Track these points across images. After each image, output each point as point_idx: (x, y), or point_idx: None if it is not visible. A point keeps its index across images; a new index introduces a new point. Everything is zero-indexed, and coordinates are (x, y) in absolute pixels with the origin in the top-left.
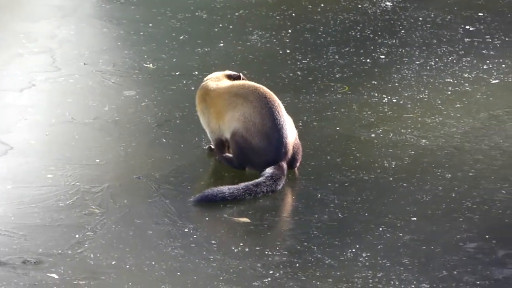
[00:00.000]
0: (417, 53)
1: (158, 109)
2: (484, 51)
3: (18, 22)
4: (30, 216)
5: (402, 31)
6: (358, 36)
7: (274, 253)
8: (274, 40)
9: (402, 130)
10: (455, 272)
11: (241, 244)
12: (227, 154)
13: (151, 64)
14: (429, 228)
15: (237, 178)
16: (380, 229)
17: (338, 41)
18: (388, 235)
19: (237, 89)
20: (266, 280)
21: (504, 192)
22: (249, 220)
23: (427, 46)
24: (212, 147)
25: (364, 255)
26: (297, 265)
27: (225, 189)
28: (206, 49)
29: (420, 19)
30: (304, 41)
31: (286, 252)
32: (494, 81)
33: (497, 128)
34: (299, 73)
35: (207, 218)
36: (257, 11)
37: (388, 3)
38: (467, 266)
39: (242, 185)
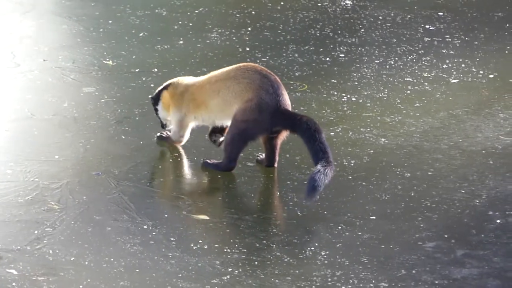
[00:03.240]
0: (376, 52)
1: (118, 105)
2: (444, 51)
3: None
4: None
5: (362, 30)
6: (318, 34)
7: (233, 250)
8: (234, 38)
9: (362, 129)
10: (413, 271)
11: (200, 241)
12: (213, 160)
13: (110, 61)
14: (388, 227)
15: (196, 176)
16: (339, 227)
17: (298, 39)
18: (347, 233)
19: (216, 76)
20: (225, 278)
21: (463, 191)
22: (208, 218)
23: (387, 45)
24: (164, 135)
25: (323, 253)
26: (256, 263)
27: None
28: (166, 46)
29: (380, 18)
30: (264, 39)
31: (245, 250)
32: (453, 81)
33: (457, 127)
34: None
35: (166, 215)
36: (217, 8)
37: (348, 2)
38: (426, 265)
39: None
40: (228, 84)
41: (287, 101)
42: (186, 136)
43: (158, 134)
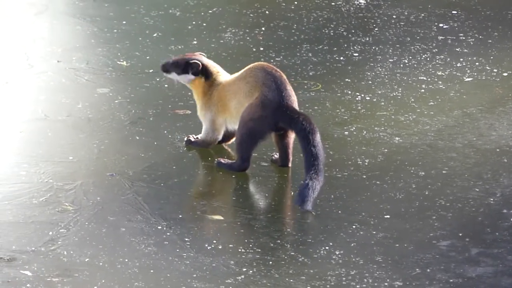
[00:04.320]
0: (390, 51)
1: (132, 106)
2: (457, 49)
3: None
4: (3, 213)
5: (376, 29)
6: (332, 34)
7: (247, 250)
8: (248, 38)
9: (376, 128)
10: (428, 270)
11: (214, 241)
12: (226, 159)
13: (124, 62)
14: (402, 226)
15: (210, 176)
16: (354, 227)
17: (312, 38)
18: (361, 232)
19: (234, 77)
20: (240, 278)
21: (477, 190)
22: (222, 218)
23: (401, 44)
24: (192, 139)
25: (337, 252)
26: (270, 262)
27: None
28: (180, 47)
29: (394, 17)
30: (278, 38)
31: (260, 250)
32: (467, 79)
33: (471, 126)
34: None
35: (180, 216)
36: (231, 8)
37: (361, 1)
38: (440, 264)
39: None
40: (241, 85)
41: (292, 96)
42: (219, 138)
43: (186, 138)
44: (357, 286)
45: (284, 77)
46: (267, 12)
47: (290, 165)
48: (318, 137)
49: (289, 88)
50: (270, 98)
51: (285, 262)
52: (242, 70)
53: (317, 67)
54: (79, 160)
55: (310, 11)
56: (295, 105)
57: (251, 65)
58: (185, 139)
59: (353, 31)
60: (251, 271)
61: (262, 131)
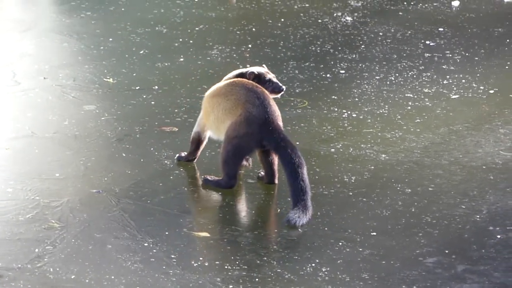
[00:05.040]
0: (377, 68)
1: (118, 123)
2: (444, 66)
3: None
4: None
5: (362, 46)
6: (318, 51)
7: (234, 267)
8: (234, 55)
9: (362, 145)
10: (414, 287)
11: (201, 258)
12: (213, 176)
13: (111, 79)
14: (389, 243)
15: (196, 193)
16: (340, 243)
17: (298, 56)
18: (347, 249)
19: (212, 91)
20: None
21: (463, 207)
22: (208, 235)
23: (387, 61)
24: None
25: (323, 269)
26: (257, 279)
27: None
28: (166, 64)
29: (381, 34)
30: (264, 55)
31: (246, 267)
32: (454, 96)
33: (457, 143)
34: None
35: (166, 233)
36: (217, 26)
37: (348, 18)
38: (427, 281)
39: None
40: (220, 100)
41: (276, 112)
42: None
43: (177, 155)
44: None
45: (267, 93)
46: (253, 29)
47: (276, 181)
48: (305, 171)
49: (273, 103)
50: (255, 114)
51: (271, 279)
52: (219, 86)
53: (303, 84)
54: (65, 177)
55: (297, 28)
56: (280, 121)
57: (229, 81)
58: (176, 156)
59: (339, 48)
60: None
61: (248, 147)
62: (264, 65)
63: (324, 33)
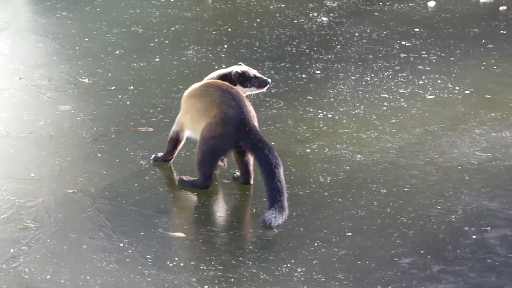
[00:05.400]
0: (353, 68)
1: (94, 123)
2: (420, 67)
3: None
4: None
5: (338, 47)
6: (294, 51)
7: (209, 268)
8: (210, 55)
9: (338, 146)
10: (389, 287)
11: (176, 258)
12: (189, 177)
13: (86, 79)
14: (364, 243)
15: (172, 193)
16: (315, 244)
17: (274, 56)
18: (323, 250)
19: (189, 91)
20: None
21: (439, 207)
22: (184, 235)
23: (363, 61)
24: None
25: (299, 270)
26: (232, 280)
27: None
28: (142, 64)
29: (356, 34)
30: (240, 56)
31: (221, 267)
32: (429, 97)
33: (433, 143)
34: None
35: (142, 233)
36: (193, 26)
37: (324, 19)
38: (402, 282)
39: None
40: (194, 101)
41: (251, 112)
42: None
43: (153, 156)
44: None
45: (241, 94)
46: (229, 29)
47: (252, 182)
48: (282, 172)
49: (248, 104)
50: (231, 115)
51: (247, 279)
52: (194, 87)
53: (279, 85)
54: (41, 177)
55: (273, 29)
56: (255, 122)
57: (204, 82)
58: (152, 156)
59: (315, 48)
60: None
61: (223, 148)
62: (241, 63)
63: (300, 33)
